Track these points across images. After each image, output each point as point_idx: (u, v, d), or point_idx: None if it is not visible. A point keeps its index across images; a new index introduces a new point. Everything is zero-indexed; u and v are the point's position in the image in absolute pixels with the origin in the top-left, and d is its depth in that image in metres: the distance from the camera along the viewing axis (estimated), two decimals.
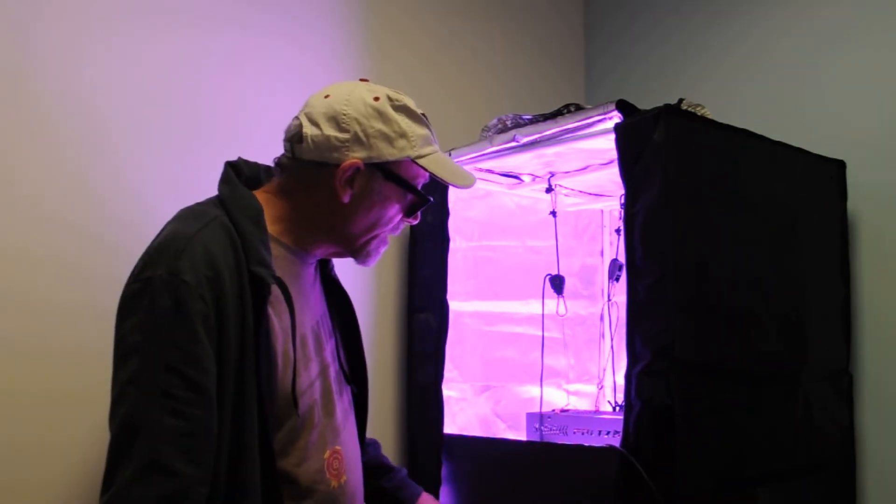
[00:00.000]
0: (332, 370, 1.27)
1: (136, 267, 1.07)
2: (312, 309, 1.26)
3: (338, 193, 1.18)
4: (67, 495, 1.50)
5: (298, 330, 1.18)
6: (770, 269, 1.61)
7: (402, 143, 1.20)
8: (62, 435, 1.50)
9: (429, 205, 1.30)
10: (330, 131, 1.17)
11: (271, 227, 1.18)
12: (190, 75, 1.74)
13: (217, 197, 1.18)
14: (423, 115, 1.25)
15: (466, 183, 1.31)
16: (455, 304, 1.89)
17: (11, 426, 1.46)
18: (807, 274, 1.71)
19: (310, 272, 1.28)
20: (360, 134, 1.17)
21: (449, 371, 1.87)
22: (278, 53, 1.89)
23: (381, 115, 1.19)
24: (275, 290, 1.12)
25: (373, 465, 1.45)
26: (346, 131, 1.17)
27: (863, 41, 1.93)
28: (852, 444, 1.81)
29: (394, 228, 1.28)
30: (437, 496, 1.73)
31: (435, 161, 1.25)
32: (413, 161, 1.22)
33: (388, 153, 1.19)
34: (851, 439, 1.81)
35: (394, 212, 1.25)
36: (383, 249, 1.29)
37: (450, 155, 1.79)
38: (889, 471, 1.79)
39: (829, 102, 1.97)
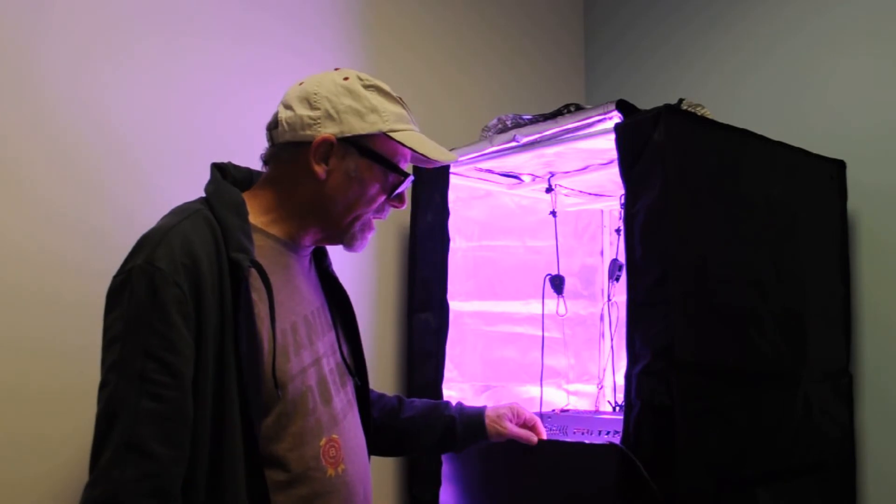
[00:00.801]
0: (332, 361, 1.28)
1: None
2: (306, 299, 1.27)
3: (314, 171, 1.21)
4: (69, 490, 1.52)
5: (287, 317, 1.20)
6: (770, 269, 1.61)
7: (372, 117, 1.22)
8: (65, 431, 1.52)
9: (411, 182, 1.31)
10: (302, 111, 1.21)
11: (259, 219, 1.22)
12: (199, 79, 1.76)
13: (202, 196, 1.22)
14: (399, 97, 1.27)
15: (446, 158, 1.32)
16: (455, 304, 1.89)
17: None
18: (807, 274, 1.71)
19: (303, 264, 1.29)
20: (331, 110, 1.21)
21: (449, 371, 1.87)
22: (276, 55, 1.89)
23: (350, 92, 1.22)
24: (257, 277, 1.14)
25: (426, 407, 1.51)
26: (317, 109, 1.21)
27: (863, 41, 1.93)
28: (852, 444, 1.81)
29: (378, 210, 1.29)
30: (436, 496, 1.73)
31: (410, 137, 1.26)
32: (387, 136, 1.23)
33: (359, 127, 1.21)
34: (851, 439, 1.81)
35: (374, 191, 1.26)
36: (370, 234, 1.31)
37: None
38: (889, 471, 1.79)
39: (829, 102, 1.97)
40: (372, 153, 1.23)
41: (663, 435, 1.35)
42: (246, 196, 1.23)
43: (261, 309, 1.15)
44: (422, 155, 1.27)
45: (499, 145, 1.74)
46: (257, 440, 1.10)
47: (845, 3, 1.97)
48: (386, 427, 1.47)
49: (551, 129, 1.64)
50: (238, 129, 1.79)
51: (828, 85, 1.98)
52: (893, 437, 1.80)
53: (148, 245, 1.08)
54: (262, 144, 1.29)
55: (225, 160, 1.30)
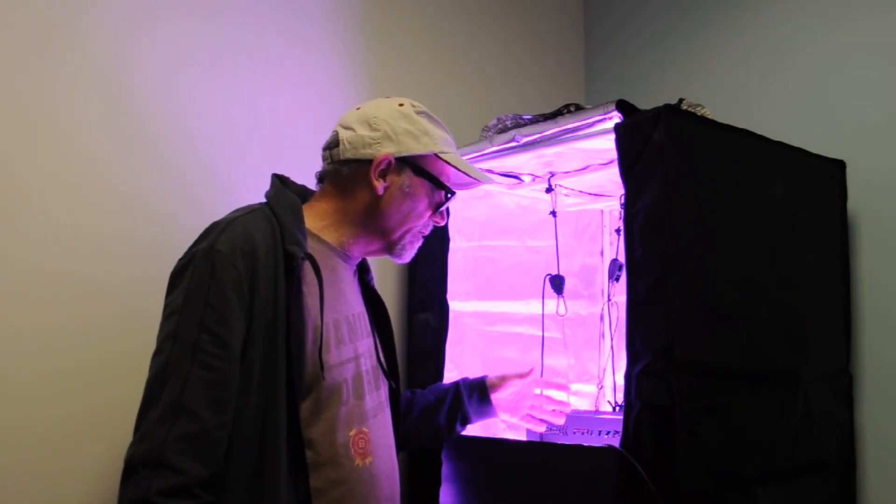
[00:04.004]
0: (368, 363, 1.37)
1: None
2: (349, 303, 1.36)
3: (373, 186, 1.34)
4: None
5: (331, 313, 1.28)
6: (770, 269, 1.61)
7: (425, 139, 1.37)
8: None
9: (452, 201, 1.44)
10: (363, 131, 1.35)
11: (313, 225, 1.33)
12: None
13: (263, 201, 1.34)
14: (440, 122, 1.41)
15: (485, 179, 1.47)
16: (455, 304, 1.89)
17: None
18: (807, 274, 1.71)
19: (348, 272, 1.40)
20: (390, 132, 1.34)
21: (449, 371, 1.87)
22: (277, 55, 1.89)
23: (406, 116, 1.37)
24: (308, 272, 1.24)
25: (432, 389, 1.67)
26: (377, 130, 1.34)
27: (864, 41, 1.93)
28: (852, 444, 1.81)
29: (424, 225, 1.43)
30: (436, 496, 1.73)
31: (456, 158, 1.41)
32: (437, 156, 1.38)
33: (415, 147, 1.36)
34: (851, 439, 1.81)
35: (423, 206, 1.39)
36: (418, 245, 1.44)
37: None
38: (889, 471, 1.79)
39: (829, 102, 1.97)
40: (424, 172, 1.37)
41: (663, 435, 1.35)
42: (303, 207, 1.34)
43: (308, 302, 1.24)
44: (465, 174, 1.41)
45: (499, 145, 1.74)
46: (299, 419, 1.19)
47: (846, 3, 1.97)
48: (408, 418, 1.60)
49: (551, 129, 1.64)
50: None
51: (828, 84, 1.98)
52: (893, 437, 1.80)
53: (213, 233, 1.20)
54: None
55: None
